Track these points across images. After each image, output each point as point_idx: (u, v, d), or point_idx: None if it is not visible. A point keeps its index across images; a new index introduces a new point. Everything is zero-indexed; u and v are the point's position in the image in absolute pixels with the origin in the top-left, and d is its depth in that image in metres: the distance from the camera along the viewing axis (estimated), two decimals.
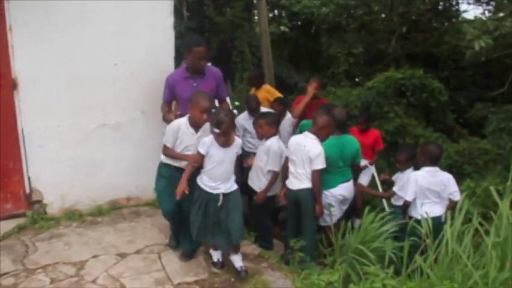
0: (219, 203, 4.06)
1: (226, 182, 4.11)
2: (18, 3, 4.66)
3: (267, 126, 5.15)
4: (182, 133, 4.18)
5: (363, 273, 4.22)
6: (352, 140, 5.31)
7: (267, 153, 5.09)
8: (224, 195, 4.09)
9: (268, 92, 7.08)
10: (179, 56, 5.22)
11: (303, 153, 4.78)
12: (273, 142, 5.13)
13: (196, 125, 4.20)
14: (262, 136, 5.19)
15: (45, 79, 4.90)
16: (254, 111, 6.04)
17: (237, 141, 4.18)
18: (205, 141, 4.06)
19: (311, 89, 6.35)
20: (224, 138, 3.97)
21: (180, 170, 4.16)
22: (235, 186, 4.19)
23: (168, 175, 4.34)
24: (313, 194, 4.81)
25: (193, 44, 4.67)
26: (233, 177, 4.19)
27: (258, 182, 5.22)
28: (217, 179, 4.08)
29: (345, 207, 5.37)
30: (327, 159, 4.86)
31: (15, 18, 4.70)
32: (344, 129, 5.31)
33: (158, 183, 4.42)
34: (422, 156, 5.04)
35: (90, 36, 5.01)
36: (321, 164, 4.77)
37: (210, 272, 4.29)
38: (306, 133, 4.88)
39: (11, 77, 4.81)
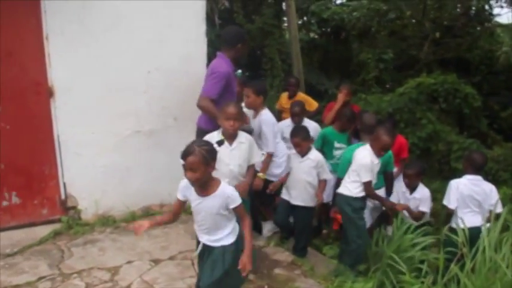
0: (197, 252, 3.43)
1: (209, 234, 3.34)
2: (54, 12, 4.76)
3: (304, 141, 4.94)
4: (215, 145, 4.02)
5: (396, 281, 4.17)
6: None
7: (316, 167, 4.96)
8: (206, 246, 3.36)
9: (305, 100, 7.00)
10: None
11: (354, 160, 4.73)
12: (317, 154, 5.01)
13: (228, 136, 4.05)
14: (302, 152, 4.97)
15: (80, 86, 4.99)
16: (297, 117, 5.86)
17: (223, 190, 3.24)
18: (181, 184, 3.33)
19: (341, 96, 6.30)
20: (192, 177, 3.11)
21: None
22: (226, 242, 3.31)
23: None
24: (344, 201, 4.74)
25: (246, 35, 4.77)
26: (223, 231, 3.32)
27: (307, 196, 5.02)
28: (197, 224, 3.42)
29: (376, 214, 5.31)
30: None
31: (52, 27, 4.81)
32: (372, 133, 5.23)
33: None
34: (465, 163, 4.95)
35: (124, 44, 5.09)
36: (365, 177, 4.61)
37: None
38: (367, 145, 4.75)
39: (47, 84, 4.92)
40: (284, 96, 7.37)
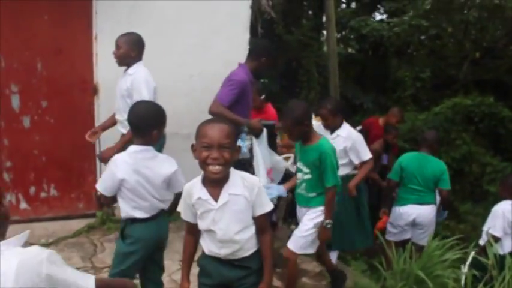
0: None
1: None
2: (105, 13, 4.93)
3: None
4: None
5: None
6: (438, 163, 5.15)
7: None
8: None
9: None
10: None
11: None
12: None
13: None
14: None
15: None
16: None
17: None
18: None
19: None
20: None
21: None
22: None
23: None
24: None
25: (274, 50, 4.70)
26: None
27: None
28: None
29: (420, 231, 5.12)
30: (403, 170, 5.00)
31: (101, 28, 4.96)
32: (431, 149, 5.18)
33: None
34: (503, 188, 4.83)
35: (169, 48, 5.21)
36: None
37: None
38: None
39: (93, 82, 5.06)
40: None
